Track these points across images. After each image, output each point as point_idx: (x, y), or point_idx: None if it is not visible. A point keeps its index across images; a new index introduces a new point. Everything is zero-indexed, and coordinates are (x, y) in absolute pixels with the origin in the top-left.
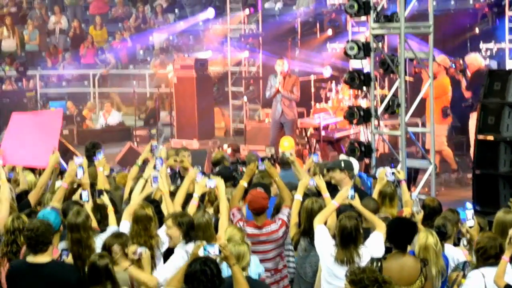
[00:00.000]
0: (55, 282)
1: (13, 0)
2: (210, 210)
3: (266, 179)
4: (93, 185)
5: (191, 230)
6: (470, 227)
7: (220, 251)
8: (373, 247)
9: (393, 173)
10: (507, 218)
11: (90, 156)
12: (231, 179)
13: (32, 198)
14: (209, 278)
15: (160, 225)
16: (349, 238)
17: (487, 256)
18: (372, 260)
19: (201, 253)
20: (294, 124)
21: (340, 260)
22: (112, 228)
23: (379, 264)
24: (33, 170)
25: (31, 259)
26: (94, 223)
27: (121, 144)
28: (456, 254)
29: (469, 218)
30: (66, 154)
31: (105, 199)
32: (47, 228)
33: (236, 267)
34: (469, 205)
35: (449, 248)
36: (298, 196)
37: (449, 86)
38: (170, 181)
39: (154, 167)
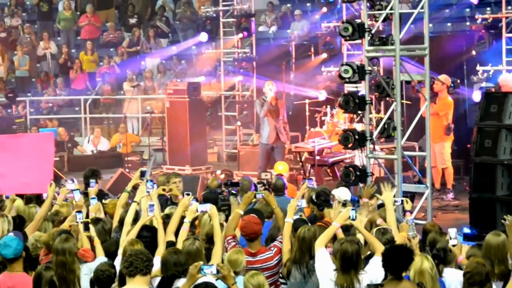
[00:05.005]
0: None
1: (3, 26)
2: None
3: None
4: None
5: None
6: (454, 246)
7: (218, 271)
8: (373, 272)
9: (402, 201)
10: (493, 241)
11: (89, 183)
12: (216, 203)
13: (29, 230)
14: None
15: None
16: (349, 263)
17: (472, 281)
18: (369, 286)
19: (198, 273)
20: (285, 148)
21: (340, 285)
22: (100, 259)
23: None
24: (21, 195)
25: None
26: (87, 245)
27: (113, 171)
28: (455, 276)
29: (452, 237)
30: (55, 182)
31: (91, 231)
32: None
33: (235, 286)
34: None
35: (448, 272)
36: (289, 219)
37: (452, 103)
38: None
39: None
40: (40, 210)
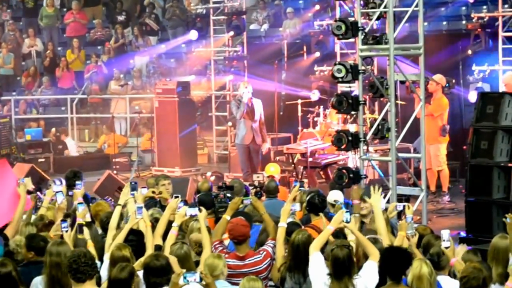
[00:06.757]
0: None
1: None
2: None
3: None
4: (68, 215)
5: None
6: (446, 248)
7: (201, 279)
8: (367, 277)
9: (404, 206)
10: (501, 244)
11: (71, 185)
12: (212, 206)
13: (9, 232)
14: None
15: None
16: (342, 268)
17: (469, 286)
18: None
19: (181, 281)
20: (260, 149)
21: None
22: None
23: None
24: None
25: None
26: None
27: (100, 172)
28: (451, 285)
29: (445, 239)
30: (41, 183)
31: (85, 234)
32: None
33: None
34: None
35: (442, 279)
36: (283, 224)
37: (447, 104)
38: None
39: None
40: (16, 212)
